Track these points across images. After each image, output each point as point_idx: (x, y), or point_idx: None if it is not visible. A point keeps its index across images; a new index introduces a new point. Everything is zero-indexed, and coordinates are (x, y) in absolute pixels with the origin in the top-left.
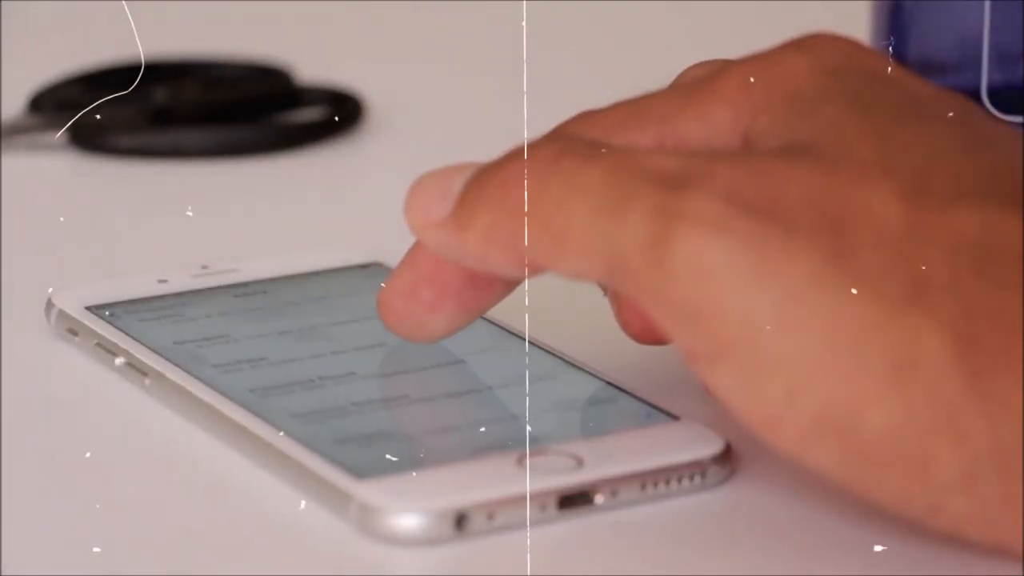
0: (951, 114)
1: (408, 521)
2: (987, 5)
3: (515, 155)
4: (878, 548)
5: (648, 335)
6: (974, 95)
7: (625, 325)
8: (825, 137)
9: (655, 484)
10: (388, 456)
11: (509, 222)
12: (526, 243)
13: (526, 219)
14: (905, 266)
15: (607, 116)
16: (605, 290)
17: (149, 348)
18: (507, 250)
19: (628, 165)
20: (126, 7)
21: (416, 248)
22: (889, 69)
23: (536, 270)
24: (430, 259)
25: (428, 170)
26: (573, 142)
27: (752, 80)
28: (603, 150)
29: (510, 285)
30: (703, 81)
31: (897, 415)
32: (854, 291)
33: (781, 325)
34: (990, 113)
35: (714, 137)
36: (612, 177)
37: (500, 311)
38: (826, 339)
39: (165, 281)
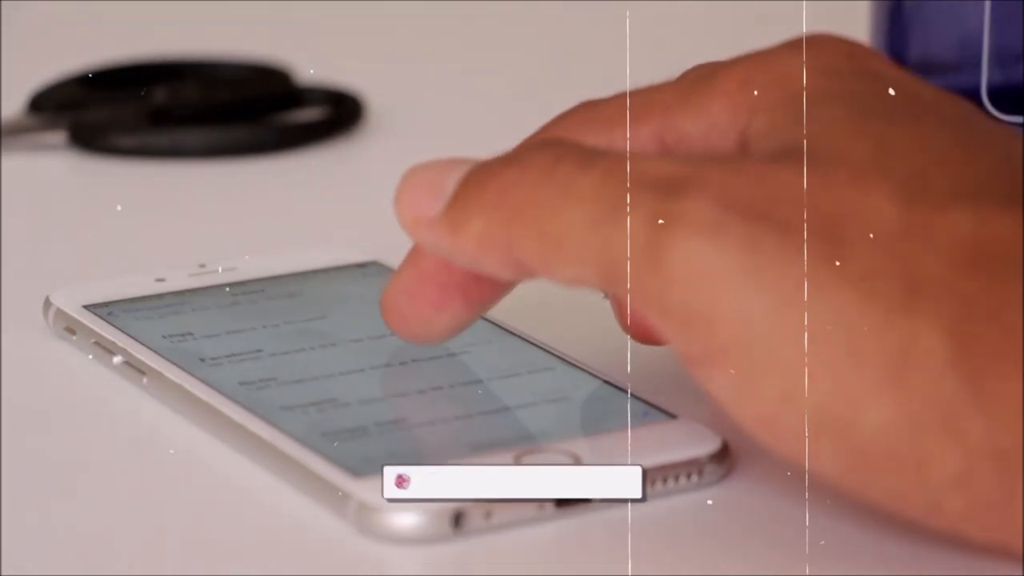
0: (949, 115)
1: (406, 520)
2: (987, 5)
3: (511, 159)
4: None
5: (650, 336)
6: (974, 95)
7: (626, 326)
8: (821, 140)
9: (652, 482)
10: (386, 454)
11: (504, 228)
12: (521, 250)
13: (521, 226)
14: (901, 267)
15: (608, 107)
16: (606, 293)
17: (147, 347)
18: (501, 255)
19: (623, 171)
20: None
21: (417, 247)
22: (888, 70)
23: (531, 275)
24: (433, 256)
25: (417, 163)
26: (568, 148)
27: (751, 79)
28: (598, 157)
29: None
30: (704, 77)
31: (894, 415)
32: (850, 292)
33: (777, 327)
34: (989, 114)
35: (712, 133)
36: (607, 184)
37: (497, 309)
38: (822, 340)
39: (163, 280)
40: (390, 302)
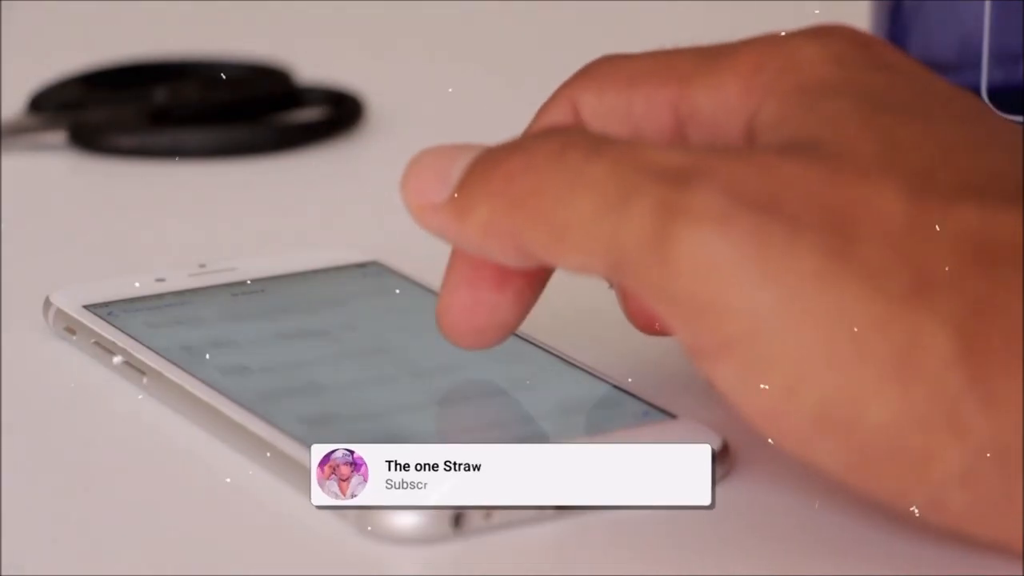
0: (959, 111)
1: (406, 520)
2: (987, 5)
3: (518, 146)
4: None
5: (655, 327)
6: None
7: (632, 316)
8: (829, 133)
9: None
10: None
11: (510, 216)
12: (526, 239)
13: (526, 215)
14: (907, 262)
15: (631, 65)
16: (611, 283)
17: (147, 347)
18: (507, 243)
19: (631, 160)
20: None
21: None
22: (901, 62)
23: (538, 263)
24: None
25: (425, 147)
26: (576, 136)
27: (764, 64)
28: (606, 145)
29: None
30: (722, 48)
31: (898, 410)
32: (856, 287)
33: (783, 320)
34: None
35: (721, 113)
36: (615, 172)
37: None
38: (827, 334)
39: (163, 280)
40: (448, 300)
